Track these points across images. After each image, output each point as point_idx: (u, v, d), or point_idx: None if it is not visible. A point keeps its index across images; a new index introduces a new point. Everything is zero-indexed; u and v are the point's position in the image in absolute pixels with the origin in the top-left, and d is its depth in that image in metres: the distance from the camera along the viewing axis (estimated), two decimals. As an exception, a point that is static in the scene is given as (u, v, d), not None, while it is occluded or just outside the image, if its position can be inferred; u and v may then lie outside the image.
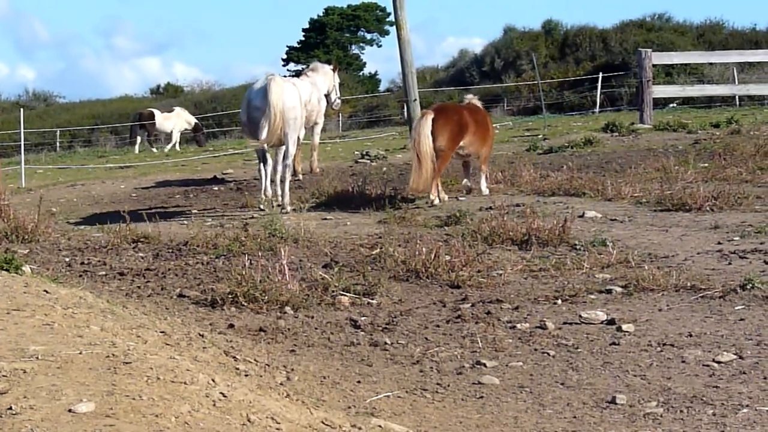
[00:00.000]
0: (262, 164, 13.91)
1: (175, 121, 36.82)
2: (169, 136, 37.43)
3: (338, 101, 18.72)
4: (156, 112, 37.31)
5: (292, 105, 13.55)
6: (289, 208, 13.36)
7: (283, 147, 13.78)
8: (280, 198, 13.79)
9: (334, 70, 18.53)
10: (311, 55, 70.29)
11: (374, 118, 52.64)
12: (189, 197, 16.29)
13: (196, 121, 38.29)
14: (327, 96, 18.13)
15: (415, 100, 17.73)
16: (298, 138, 16.78)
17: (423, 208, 13.17)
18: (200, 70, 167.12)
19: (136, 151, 33.94)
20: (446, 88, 49.26)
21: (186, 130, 37.53)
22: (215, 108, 55.45)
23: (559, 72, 51.08)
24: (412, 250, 9.29)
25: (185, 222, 12.63)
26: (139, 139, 36.24)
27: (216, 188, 17.22)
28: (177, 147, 36.24)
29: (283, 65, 74.30)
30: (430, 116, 13.32)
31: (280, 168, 13.89)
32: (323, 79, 17.97)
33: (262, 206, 13.67)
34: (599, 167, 16.26)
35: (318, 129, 18.06)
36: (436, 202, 13.36)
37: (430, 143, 13.08)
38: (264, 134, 13.23)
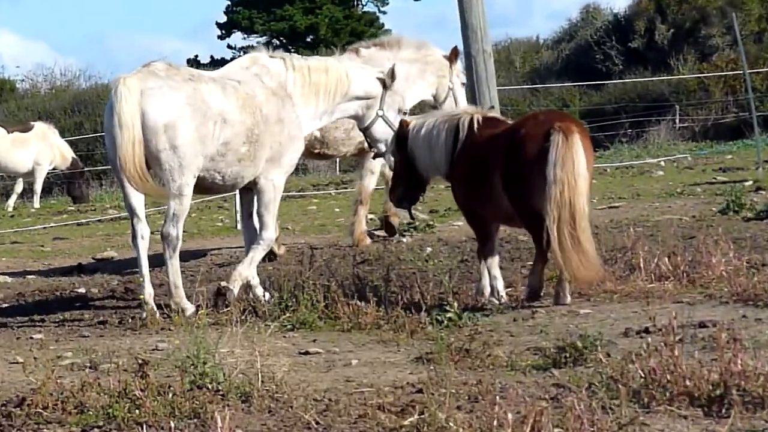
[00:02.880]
0: (134, 234, 13.65)
1: (38, 150, 34.38)
2: (15, 181, 35.31)
3: None
4: None
5: (167, 121, 13.00)
6: (189, 309, 13.22)
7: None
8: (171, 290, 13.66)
9: (450, 60, 18.40)
10: (279, 18, 68.01)
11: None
12: (28, 307, 15.73)
13: (73, 155, 36.11)
14: (436, 102, 18.48)
15: (492, 107, 16.38)
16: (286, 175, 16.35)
17: (506, 327, 12.19)
18: (50, 48, 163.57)
19: None
20: (555, 84, 47.41)
21: (56, 168, 35.30)
22: (80, 125, 52.11)
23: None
24: (487, 420, 8.46)
25: (19, 358, 11.70)
26: None
27: (82, 289, 16.81)
28: (36, 203, 34.19)
29: (220, 38, 72.95)
30: (577, 135, 12.53)
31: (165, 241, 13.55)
32: (415, 67, 18.01)
33: (145, 313, 13.34)
34: None
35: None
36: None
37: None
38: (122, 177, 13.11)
